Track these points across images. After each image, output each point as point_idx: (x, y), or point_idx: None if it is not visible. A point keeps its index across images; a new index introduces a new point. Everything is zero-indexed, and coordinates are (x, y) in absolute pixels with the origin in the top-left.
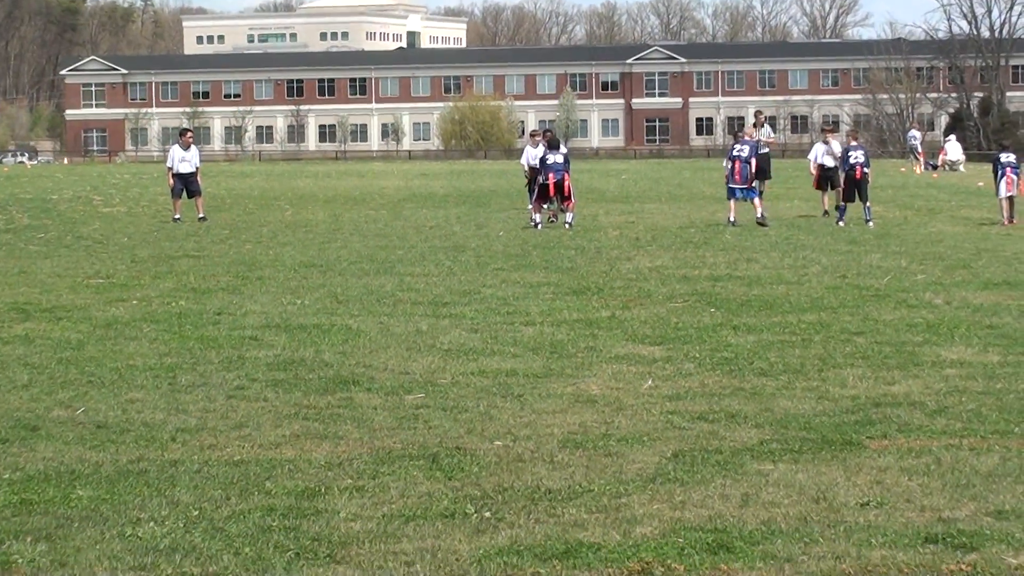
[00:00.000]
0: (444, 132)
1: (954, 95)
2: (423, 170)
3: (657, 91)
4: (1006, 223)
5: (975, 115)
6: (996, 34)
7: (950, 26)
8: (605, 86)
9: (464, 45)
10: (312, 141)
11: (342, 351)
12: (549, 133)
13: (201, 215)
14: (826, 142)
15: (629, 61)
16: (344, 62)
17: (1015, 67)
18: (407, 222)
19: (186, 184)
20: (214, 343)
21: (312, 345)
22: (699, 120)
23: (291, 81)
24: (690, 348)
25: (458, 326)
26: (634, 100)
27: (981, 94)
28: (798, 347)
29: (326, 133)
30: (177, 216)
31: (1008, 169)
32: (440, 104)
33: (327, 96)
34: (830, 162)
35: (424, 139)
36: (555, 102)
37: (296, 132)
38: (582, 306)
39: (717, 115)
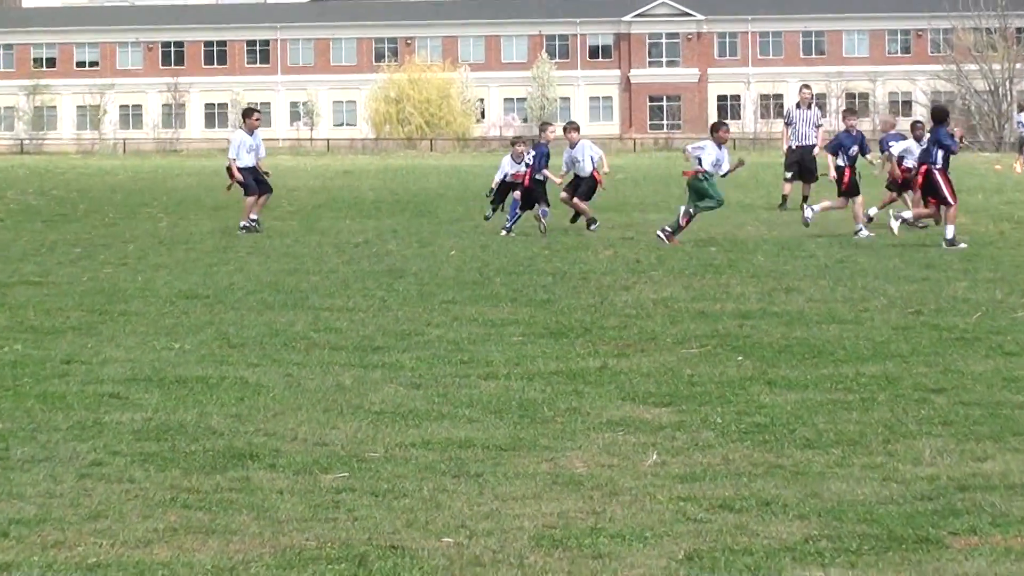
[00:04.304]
0: (375, 114)
1: None
2: (346, 166)
3: (664, 59)
4: None
5: None
6: None
7: None
8: (594, 52)
9: None
10: (195, 126)
11: (236, 414)
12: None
13: (256, 217)
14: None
15: (627, 18)
16: (239, 18)
17: None
18: (325, 237)
19: (256, 179)
20: (61, 402)
21: (195, 405)
22: (721, 99)
23: (167, 44)
24: (709, 410)
25: (394, 380)
26: (633, 71)
27: None
28: (856, 409)
29: (214, 115)
30: (254, 218)
31: None
32: (370, 76)
33: (215, 65)
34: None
35: (348, 124)
36: (526, 74)
37: (174, 114)
38: (562, 353)
39: (746, 92)
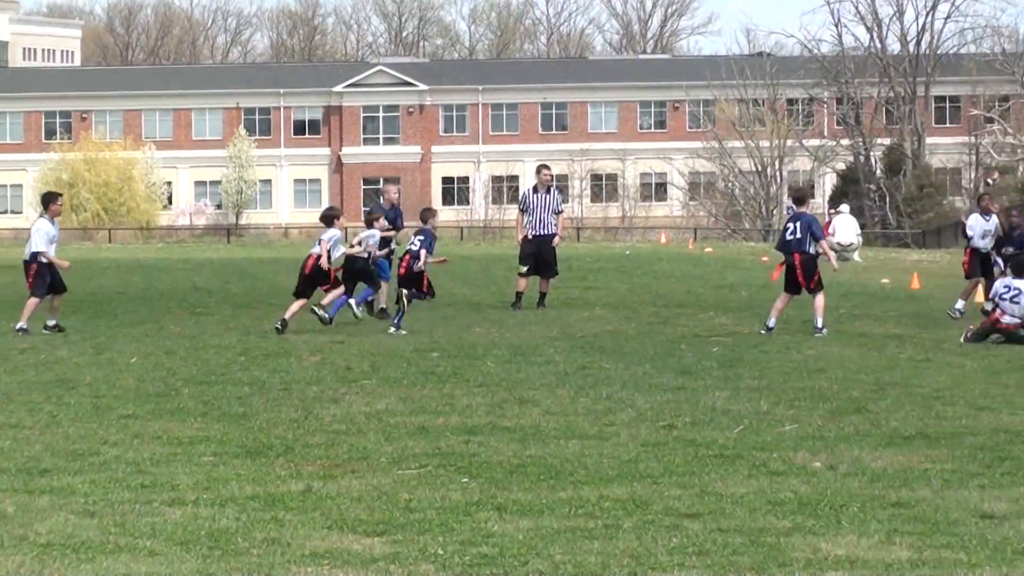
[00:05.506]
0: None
1: (846, 142)
2: (10, 259)
3: (382, 136)
4: None
5: (878, 173)
6: (911, 48)
7: (840, 35)
8: (300, 128)
9: (78, 62)
10: None
11: None
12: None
13: (56, 322)
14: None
15: (338, 88)
16: None
17: (939, 100)
18: None
19: (53, 276)
20: None
21: None
22: (447, 180)
23: None
24: (429, 540)
25: (63, 507)
26: (345, 149)
27: (888, 141)
28: (598, 538)
29: None
30: (52, 323)
31: None
32: (38, 156)
33: None
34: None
35: (13, 211)
36: (221, 153)
37: None
38: (260, 475)
39: (475, 173)
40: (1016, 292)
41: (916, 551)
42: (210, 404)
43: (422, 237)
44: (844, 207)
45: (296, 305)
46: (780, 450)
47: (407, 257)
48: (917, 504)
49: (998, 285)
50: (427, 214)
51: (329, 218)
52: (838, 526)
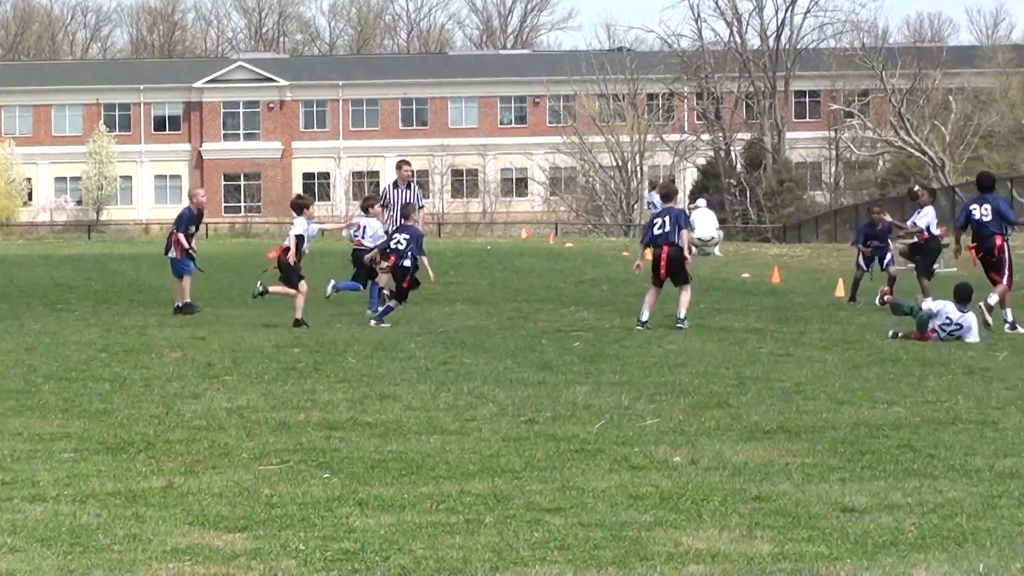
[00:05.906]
0: None
1: (706, 137)
2: None
3: (242, 131)
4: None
5: (739, 168)
6: (771, 43)
7: (700, 30)
8: (160, 124)
9: None
10: None
11: None
12: None
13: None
14: None
15: (198, 84)
16: None
17: (799, 95)
18: None
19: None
20: None
21: None
22: (308, 176)
23: None
24: (290, 535)
25: None
26: (205, 145)
27: (748, 136)
28: (460, 533)
29: None
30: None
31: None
32: None
33: None
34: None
35: None
36: (81, 149)
37: None
38: (121, 471)
39: (336, 169)
40: (956, 328)
41: (777, 544)
42: (71, 400)
43: (408, 236)
44: (701, 201)
45: (299, 298)
46: (641, 444)
47: (394, 257)
48: (778, 498)
49: (937, 313)
50: (407, 209)
51: (298, 206)
52: (699, 520)
